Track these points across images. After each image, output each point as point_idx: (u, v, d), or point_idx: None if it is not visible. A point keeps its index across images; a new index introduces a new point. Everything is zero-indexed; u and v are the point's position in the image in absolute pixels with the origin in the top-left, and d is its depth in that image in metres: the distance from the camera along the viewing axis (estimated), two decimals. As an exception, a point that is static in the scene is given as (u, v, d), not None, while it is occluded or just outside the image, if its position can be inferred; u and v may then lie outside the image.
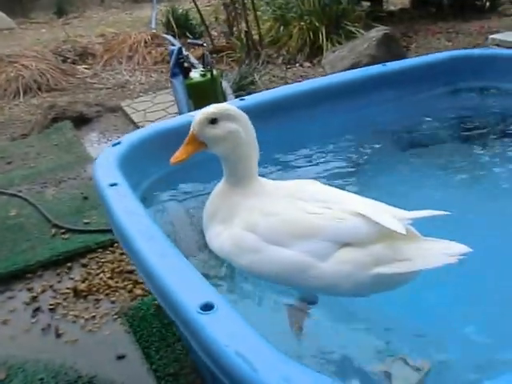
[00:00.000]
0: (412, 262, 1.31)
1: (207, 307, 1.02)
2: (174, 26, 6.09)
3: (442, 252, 1.29)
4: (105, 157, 1.72)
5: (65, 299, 2.17)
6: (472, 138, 2.19)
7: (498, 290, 1.39)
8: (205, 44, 3.16)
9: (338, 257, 1.34)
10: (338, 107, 2.12)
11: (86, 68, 5.98)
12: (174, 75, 2.91)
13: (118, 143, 1.81)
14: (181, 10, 6.34)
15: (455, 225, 1.45)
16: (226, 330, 0.97)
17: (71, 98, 5.08)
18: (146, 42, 6.02)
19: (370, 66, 2.34)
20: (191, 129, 1.51)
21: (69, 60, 6.09)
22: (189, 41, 3.65)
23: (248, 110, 1.55)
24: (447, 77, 2.33)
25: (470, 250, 1.27)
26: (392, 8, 7.27)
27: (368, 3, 6.52)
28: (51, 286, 2.25)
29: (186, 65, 2.99)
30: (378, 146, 2.15)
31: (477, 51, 2.52)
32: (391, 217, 1.35)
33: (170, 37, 4.72)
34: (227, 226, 1.50)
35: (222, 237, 1.50)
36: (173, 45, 3.29)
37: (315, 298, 1.42)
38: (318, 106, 2.09)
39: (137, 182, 1.73)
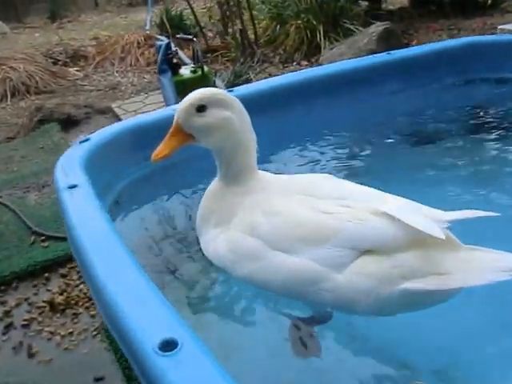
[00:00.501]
0: (452, 277, 1.06)
1: (168, 345, 0.78)
2: (168, 27, 5.95)
3: (493, 265, 1.04)
4: (69, 155, 1.52)
5: (40, 313, 1.99)
6: (485, 133, 2.00)
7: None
8: (195, 39, 2.99)
9: (357, 267, 1.11)
10: (338, 100, 1.92)
11: (77, 70, 5.84)
12: (161, 72, 2.73)
13: (87, 140, 1.61)
14: (174, 11, 6.19)
15: (496, 228, 1.23)
16: (191, 376, 0.74)
17: (60, 100, 4.93)
18: (138, 43, 5.89)
19: (374, 55, 2.16)
20: (175, 118, 1.30)
21: (60, 62, 5.97)
22: (178, 36, 3.48)
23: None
24: (458, 66, 2.12)
25: None
26: (391, 7, 7.15)
27: (366, 2, 6.38)
28: (26, 299, 2.07)
29: (175, 61, 2.81)
30: (381, 141, 1.96)
31: (491, 37, 2.33)
32: (425, 218, 1.10)
33: (160, 36, 4.56)
34: (223, 228, 1.30)
35: (217, 241, 1.30)
36: (160, 39, 3.11)
37: (328, 314, 1.18)
38: (315, 97, 1.90)
39: (109, 184, 1.54)
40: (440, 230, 1.07)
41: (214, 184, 1.40)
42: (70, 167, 1.44)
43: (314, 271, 1.13)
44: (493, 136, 1.99)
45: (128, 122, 1.79)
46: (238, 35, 4.98)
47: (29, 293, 2.09)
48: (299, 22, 4.97)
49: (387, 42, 3.86)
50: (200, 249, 1.39)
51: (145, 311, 0.89)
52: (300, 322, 1.18)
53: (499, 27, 4.67)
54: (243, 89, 1.76)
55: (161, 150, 1.28)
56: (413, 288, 1.07)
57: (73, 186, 1.35)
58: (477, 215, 1.10)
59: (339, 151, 1.85)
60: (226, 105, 1.30)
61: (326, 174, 1.35)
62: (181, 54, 3.16)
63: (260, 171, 1.37)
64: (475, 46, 2.15)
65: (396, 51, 2.11)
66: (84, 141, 1.60)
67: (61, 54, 6.14)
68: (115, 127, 1.74)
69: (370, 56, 2.19)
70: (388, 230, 1.11)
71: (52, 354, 1.76)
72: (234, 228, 1.28)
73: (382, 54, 2.12)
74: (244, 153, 1.32)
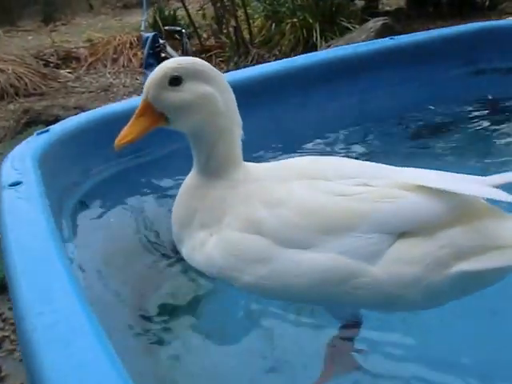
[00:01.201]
0: None
1: None
2: (161, 27, 5.83)
3: None
4: (22, 148, 1.32)
5: (14, 331, 1.82)
6: (493, 126, 1.86)
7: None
8: (183, 30, 2.82)
9: (395, 254, 0.93)
10: (337, 90, 1.76)
11: (68, 72, 5.74)
12: (148, 66, 2.57)
13: (46, 131, 1.39)
14: (168, 11, 6.08)
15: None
16: None
17: (49, 102, 4.81)
18: (131, 44, 5.78)
19: (375, 40, 2.00)
20: (143, 94, 1.09)
21: (51, 64, 5.87)
22: (166, 28, 3.33)
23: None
24: (468, 54, 1.93)
25: None
26: (388, 8, 7.08)
27: (363, 2, 6.30)
28: (1, 315, 1.90)
29: (163, 55, 2.64)
30: (384, 135, 1.81)
31: (504, 22, 2.15)
32: (466, 184, 0.94)
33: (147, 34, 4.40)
34: (213, 229, 1.08)
35: (208, 246, 1.08)
36: (146, 32, 2.94)
37: (359, 318, 0.98)
38: (312, 87, 1.74)
39: (75, 181, 1.36)
40: (500, 191, 0.92)
41: (191, 178, 1.17)
42: (21, 162, 1.24)
43: (344, 266, 0.94)
44: (501, 129, 1.85)
45: (97, 111, 1.59)
46: (232, 34, 4.86)
47: (3, 307, 1.91)
48: (295, 20, 4.87)
49: (386, 37, 3.71)
50: (181, 258, 1.20)
51: (67, 355, 0.65)
52: (337, 339, 0.97)
53: (509, 19, 4.55)
54: (229, 75, 1.58)
55: (126, 133, 1.06)
56: (472, 269, 0.91)
57: (16, 184, 1.14)
58: None
59: (338, 145, 1.69)
60: (206, 78, 1.08)
61: (315, 156, 1.16)
62: (168, 48, 3.00)
63: (246, 163, 1.18)
64: (488, 31, 1.97)
65: (400, 36, 1.94)
66: (42, 132, 1.40)
67: (52, 55, 6.05)
68: (81, 117, 1.54)
69: (370, 41, 2.03)
70: (428, 204, 0.94)
71: (24, 378, 1.59)
72: (227, 228, 1.06)
73: (384, 39, 1.96)
74: (228, 139, 1.11)
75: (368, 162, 1.11)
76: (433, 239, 0.94)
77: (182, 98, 1.07)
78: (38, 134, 1.39)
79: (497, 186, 0.96)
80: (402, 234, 0.95)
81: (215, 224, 1.09)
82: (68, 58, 5.99)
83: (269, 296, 1.04)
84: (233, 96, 1.14)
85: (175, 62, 1.11)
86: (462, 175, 1.01)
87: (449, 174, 1.02)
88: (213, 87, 1.09)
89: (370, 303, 0.97)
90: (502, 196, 0.92)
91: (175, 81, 1.07)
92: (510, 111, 1.94)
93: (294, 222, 0.98)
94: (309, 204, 0.99)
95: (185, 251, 1.16)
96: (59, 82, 5.44)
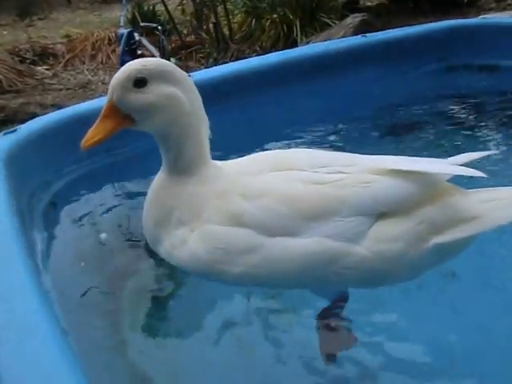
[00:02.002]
0: (483, 219, 1.01)
1: None
2: (141, 23, 5.75)
3: None
4: None
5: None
6: (467, 122, 1.89)
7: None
8: (160, 27, 2.79)
9: (377, 233, 1.01)
10: (309, 87, 1.76)
11: (45, 68, 5.61)
12: (123, 63, 2.51)
13: (13, 131, 1.38)
14: (147, 7, 5.99)
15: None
16: None
17: (26, 99, 4.69)
18: (110, 40, 5.68)
19: (347, 38, 2.01)
20: (108, 95, 1.09)
21: (27, 60, 5.72)
22: (142, 24, 3.28)
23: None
24: (440, 51, 1.98)
25: None
26: (369, 3, 7.11)
27: (344, -2, 6.31)
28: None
29: (139, 52, 2.60)
30: (357, 132, 1.82)
31: (476, 21, 2.19)
32: (437, 165, 1.05)
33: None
34: (193, 225, 1.09)
35: (191, 242, 1.08)
36: (121, 28, 2.89)
37: (345, 295, 1.06)
38: (284, 85, 1.73)
39: (46, 182, 1.34)
40: (471, 169, 1.02)
41: (161, 178, 1.18)
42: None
43: (330, 248, 1.01)
44: (474, 125, 1.89)
45: (67, 111, 1.58)
46: (212, 30, 4.82)
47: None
48: (275, 16, 4.85)
49: (365, 33, 3.72)
50: (153, 255, 1.19)
51: (19, 352, 0.63)
52: (325, 312, 1.03)
53: (481, 17, 4.61)
54: (201, 73, 1.56)
55: (92, 134, 1.06)
56: (447, 240, 1.01)
57: None
58: (482, 155, 1.07)
59: (311, 143, 1.69)
60: (171, 79, 1.09)
61: (280, 149, 1.20)
62: (146, 43, 2.95)
63: (214, 161, 1.19)
64: (458, 29, 2.01)
65: (372, 34, 1.95)
66: (10, 132, 1.38)
67: (28, 51, 5.90)
68: (51, 117, 1.53)
69: (343, 39, 2.04)
70: (401, 186, 1.02)
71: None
72: (208, 222, 1.08)
73: (356, 36, 1.97)
74: (195, 138, 1.12)
75: (334, 152, 1.19)
76: (410, 217, 1.01)
77: (147, 100, 1.08)
78: (4, 134, 1.37)
79: (461, 165, 1.06)
80: (381, 215, 1.03)
81: (194, 220, 1.10)
82: (45, 55, 5.85)
83: (259, 284, 1.07)
84: (198, 95, 1.14)
85: (139, 63, 1.10)
86: (428, 158, 1.11)
87: (416, 158, 1.12)
88: (178, 88, 1.09)
89: (358, 281, 1.04)
90: (470, 172, 1.02)
91: (140, 82, 1.08)
92: (482, 107, 1.97)
93: (277, 211, 1.02)
94: (290, 193, 1.04)
95: (163, 250, 1.16)
96: (36, 78, 5.32)
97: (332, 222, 1.01)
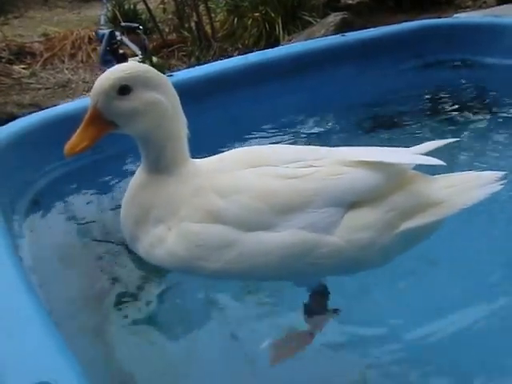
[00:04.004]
0: (448, 204, 1.05)
1: None
2: (122, 23, 5.68)
3: (478, 182, 1.04)
4: None
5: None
6: (443, 116, 1.95)
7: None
8: (141, 27, 2.77)
9: (349, 223, 1.05)
10: (290, 85, 1.78)
11: (23, 68, 5.48)
12: (105, 63, 2.50)
13: None
14: (128, 5, 5.93)
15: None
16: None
17: (2, 99, 4.59)
18: (90, 39, 5.58)
19: (327, 37, 2.04)
20: (91, 103, 1.10)
21: (3, 59, 5.58)
22: (122, 24, 3.25)
23: (177, 90, 1.19)
24: (416, 49, 2.06)
25: (505, 172, 1.04)
26: (350, 2, 7.18)
27: (325, -3, 6.35)
28: None
29: (121, 51, 2.58)
30: (337, 128, 1.85)
31: (448, 20, 2.27)
32: (401, 155, 1.11)
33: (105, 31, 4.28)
34: (170, 224, 1.11)
35: (169, 240, 1.10)
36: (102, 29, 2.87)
37: (322, 287, 1.09)
38: (265, 83, 1.75)
39: (28, 181, 1.36)
40: (431, 158, 1.07)
41: (140, 176, 1.20)
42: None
43: (305, 240, 1.05)
44: (452, 118, 1.95)
45: (48, 112, 1.58)
46: (194, 29, 4.81)
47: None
48: (257, 14, 4.86)
49: (345, 32, 3.76)
50: (133, 252, 1.20)
51: (11, 343, 0.68)
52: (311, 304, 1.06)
53: (454, 15, 4.71)
54: (183, 73, 1.57)
55: (77, 141, 1.08)
56: (416, 225, 1.06)
57: None
58: (443, 143, 1.13)
59: (293, 140, 1.71)
60: (154, 85, 1.11)
61: (254, 146, 1.25)
62: (128, 42, 2.93)
63: (193, 159, 1.21)
64: (431, 28, 2.09)
65: (350, 33, 1.99)
66: None
67: (4, 50, 5.75)
68: (32, 118, 1.55)
69: (323, 38, 2.07)
70: (369, 176, 1.06)
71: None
72: (185, 220, 1.10)
73: (335, 36, 2.00)
74: (176, 140, 1.16)
75: (302, 146, 1.22)
76: (379, 206, 1.06)
77: (131, 107, 1.10)
78: None
79: (423, 154, 1.12)
80: (352, 205, 1.07)
81: (172, 218, 1.12)
82: (22, 54, 5.72)
83: (237, 278, 1.10)
84: (177, 98, 1.17)
85: (123, 70, 1.11)
86: (392, 148, 1.17)
87: (380, 148, 1.17)
88: (160, 93, 1.12)
89: (334, 269, 1.07)
90: (432, 160, 1.08)
91: (124, 90, 1.10)
92: (459, 102, 2.02)
93: (253, 206, 1.05)
94: (263, 188, 1.07)
95: (141, 248, 1.17)
96: (13, 78, 5.20)
97: (305, 214, 1.04)
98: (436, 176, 1.15)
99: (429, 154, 1.13)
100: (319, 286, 1.09)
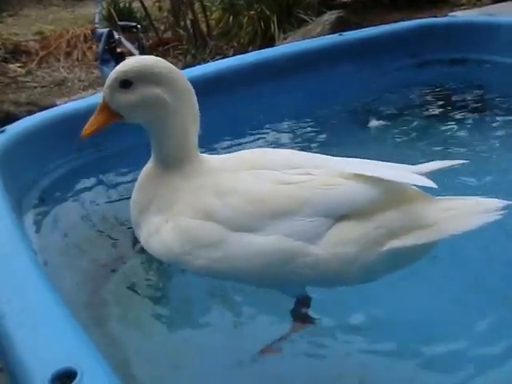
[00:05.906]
0: (439, 228, 1.01)
1: (65, 377, 0.61)
2: (117, 20, 5.67)
3: (475, 209, 1.00)
4: None
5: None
6: (441, 114, 1.97)
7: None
8: (138, 26, 2.79)
9: (335, 235, 1.02)
10: (287, 84, 1.81)
11: (18, 66, 5.47)
12: (103, 62, 2.52)
13: (2, 132, 1.43)
14: (123, 3, 5.91)
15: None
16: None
17: (-1, 98, 4.58)
18: (85, 37, 5.58)
19: (324, 36, 2.07)
20: (102, 94, 1.18)
21: (-2, 58, 5.55)
22: (119, 23, 3.26)
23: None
24: (414, 48, 2.08)
25: (509, 202, 0.99)
26: (345, 0, 7.20)
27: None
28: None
29: (119, 50, 2.60)
30: (335, 127, 1.88)
31: (445, 19, 2.30)
32: (399, 171, 1.07)
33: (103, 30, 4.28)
34: (168, 215, 1.14)
35: (163, 232, 1.13)
36: (100, 28, 2.88)
37: (306, 296, 1.08)
38: (262, 82, 1.78)
39: (33, 179, 1.39)
40: (422, 178, 1.03)
41: (149, 166, 1.25)
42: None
43: (288, 247, 1.03)
44: (448, 115, 1.95)
45: (53, 111, 1.62)
46: (189, 27, 4.81)
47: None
48: (252, 12, 4.87)
49: (341, 30, 3.78)
50: (140, 248, 1.23)
51: (35, 334, 0.71)
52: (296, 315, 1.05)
53: (450, 14, 4.75)
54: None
55: (88, 126, 1.17)
56: (402, 246, 1.02)
57: None
58: (449, 164, 1.08)
59: (289, 138, 1.74)
60: (158, 80, 1.13)
61: (263, 148, 1.26)
62: (125, 42, 2.95)
63: (202, 154, 1.24)
64: (428, 27, 2.12)
65: (348, 32, 2.03)
66: None
67: (-1, 49, 5.72)
68: (38, 117, 1.58)
69: (321, 38, 2.10)
70: (362, 190, 1.04)
71: None
72: (181, 214, 1.13)
73: (333, 35, 2.04)
74: (180, 135, 1.18)
75: (313, 154, 1.20)
76: (368, 221, 1.03)
77: (130, 100, 1.14)
78: None
79: (423, 174, 1.08)
80: (341, 218, 1.05)
81: (169, 211, 1.16)
82: (17, 52, 5.70)
83: (221, 278, 1.11)
84: (189, 95, 1.19)
85: (127, 65, 1.15)
86: (393, 164, 1.13)
87: (381, 163, 1.14)
88: (162, 88, 1.14)
89: (314, 280, 1.06)
90: (426, 182, 1.04)
91: (125, 84, 1.14)
92: (455, 101, 2.06)
93: (243, 209, 1.06)
94: (256, 192, 1.07)
95: (142, 237, 1.22)
96: (8, 76, 5.19)
97: (292, 222, 1.03)
98: (438, 197, 1.09)
99: (431, 173, 1.08)
100: (302, 295, 1.08)
